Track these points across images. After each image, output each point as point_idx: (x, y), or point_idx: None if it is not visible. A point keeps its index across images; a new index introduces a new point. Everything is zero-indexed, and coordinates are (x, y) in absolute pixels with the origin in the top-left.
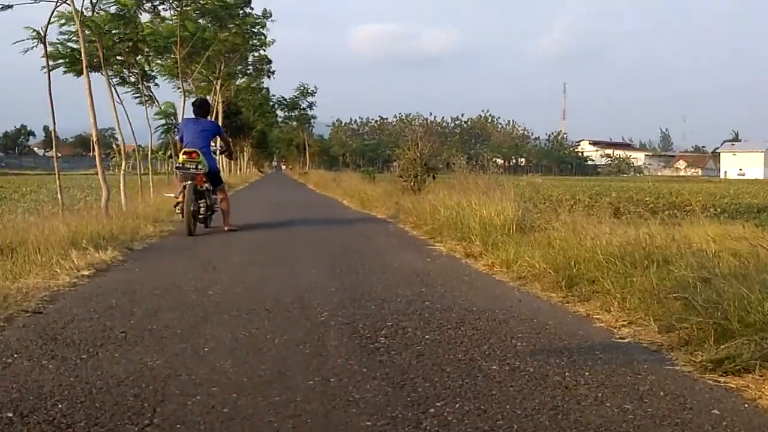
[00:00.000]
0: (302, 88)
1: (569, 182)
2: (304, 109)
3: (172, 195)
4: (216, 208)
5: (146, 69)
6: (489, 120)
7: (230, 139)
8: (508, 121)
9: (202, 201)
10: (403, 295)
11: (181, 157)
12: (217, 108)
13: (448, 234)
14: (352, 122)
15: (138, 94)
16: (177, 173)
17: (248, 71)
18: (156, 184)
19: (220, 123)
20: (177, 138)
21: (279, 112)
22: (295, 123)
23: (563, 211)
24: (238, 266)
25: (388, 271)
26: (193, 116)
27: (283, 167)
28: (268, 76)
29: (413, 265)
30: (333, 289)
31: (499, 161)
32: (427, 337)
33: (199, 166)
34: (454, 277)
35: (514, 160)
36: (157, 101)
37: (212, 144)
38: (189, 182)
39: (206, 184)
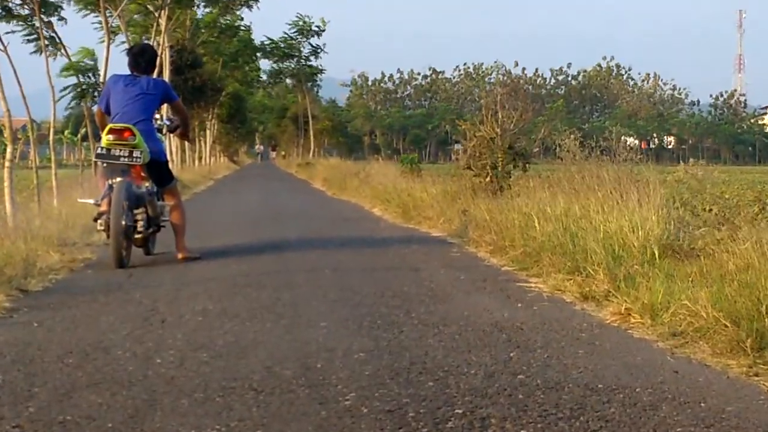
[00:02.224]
0: (300, 22)
1: (751, 174)
2: (305, 57)
3: (91, 201)
4: (163, 222)
5: None
6: (614, 73)
7: (186, 109)
8: (647, 74)
9: (140, 211)
10: (480, 364)
11: (106, 139)
12: (162, 58)
13: (551, 263)
14: (385, 79)
15: (33, 36)
16: (98, 165)
17: None
18: (63, 182)
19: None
20: (98, 106)
21: (264, 65)
22: (289, 81)
23: (744, 222)
24: (201, 318)
25: (452, 325)
26: (129, 72)
27: (273, 154)
28: (249, 6)
29: (494, 314)
30: (362, 354)
31: (633, 141)
32: None
33: (135, 153)
34: (564, 334)
35: (657, 139)
36: (66, 48)
37: (156, 117)
38: (118, 180)
39: (147, 183)
